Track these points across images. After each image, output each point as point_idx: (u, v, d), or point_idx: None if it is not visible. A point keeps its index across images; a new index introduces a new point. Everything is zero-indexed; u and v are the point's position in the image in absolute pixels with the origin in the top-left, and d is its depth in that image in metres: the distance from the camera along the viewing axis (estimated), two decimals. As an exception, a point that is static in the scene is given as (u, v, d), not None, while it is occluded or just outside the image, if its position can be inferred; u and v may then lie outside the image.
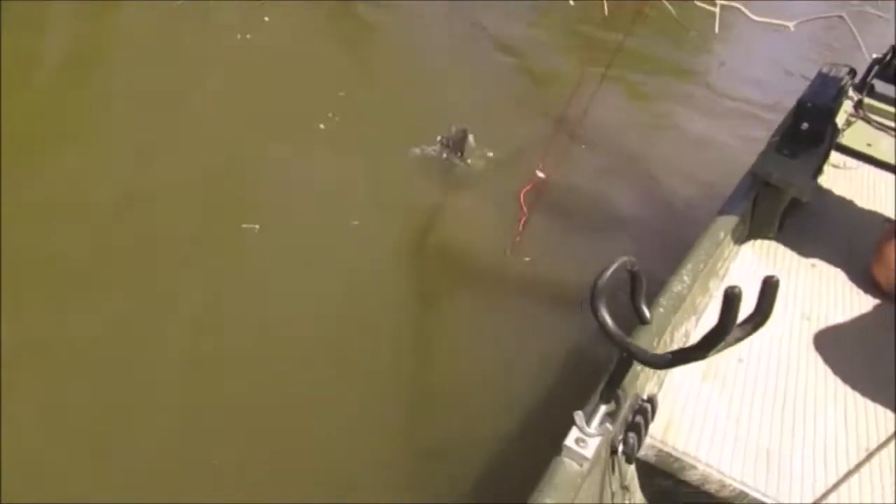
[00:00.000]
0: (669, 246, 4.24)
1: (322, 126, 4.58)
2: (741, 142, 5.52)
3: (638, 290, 1.59)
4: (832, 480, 1.92)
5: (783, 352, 2.44)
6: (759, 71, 7.28)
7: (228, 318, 3.17)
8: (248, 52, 5.21)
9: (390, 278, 3.61)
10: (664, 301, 2.17)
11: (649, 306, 1.77)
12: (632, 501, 1.82)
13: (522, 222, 4.09)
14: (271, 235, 3.64)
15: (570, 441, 1.59)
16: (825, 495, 1.89)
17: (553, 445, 1.68)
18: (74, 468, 2.48)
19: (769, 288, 1.36)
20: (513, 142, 4.91)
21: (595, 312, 1.50)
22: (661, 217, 4.56)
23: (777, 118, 6.22)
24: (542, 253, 3.96)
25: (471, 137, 4.60)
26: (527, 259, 3.88)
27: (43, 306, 3.03)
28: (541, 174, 4.35)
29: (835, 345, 2.51)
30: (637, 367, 1.71)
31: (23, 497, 2.33)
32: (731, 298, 1.28)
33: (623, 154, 5.14)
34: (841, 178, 3.57)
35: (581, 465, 1.58)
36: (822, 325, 2.60)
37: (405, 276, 3.68)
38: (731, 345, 1.39)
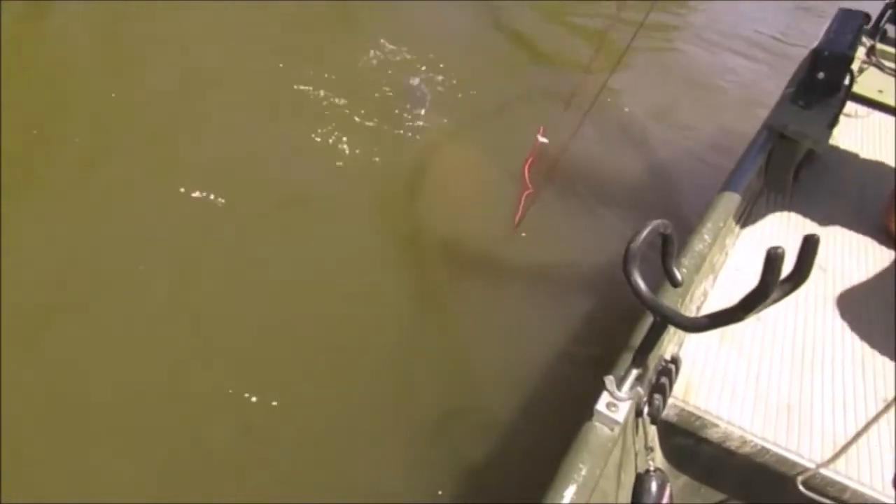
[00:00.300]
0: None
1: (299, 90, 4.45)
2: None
3: (670, 253, 1.56)
4: (852, 432, 1.94)
5: (800, 306, 2.43)
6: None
7: (223, 309, 3.11)
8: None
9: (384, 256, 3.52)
10: (686, 261, 2.15)
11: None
12: (654, 461, 1.84)
13: (525, 196, 3.88)
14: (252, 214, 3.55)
15: (601, 405, 1.58)
16: (845, 447, 1.91)
17: (569, 416, 1.68)
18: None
19: (810, 246, 1.33)
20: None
21: (628, 277, 1.47)
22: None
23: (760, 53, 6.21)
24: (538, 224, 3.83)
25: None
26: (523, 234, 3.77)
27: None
28: (542, 139, 4.16)
29: (851, 297, 2.50)
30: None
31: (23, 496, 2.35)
32: (774, 259, 1.25)
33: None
34: (853, 127, 3.51)
35: (612, 430, 1.58)
36: (839, 277, 2.59)
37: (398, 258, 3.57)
38: (769, 305, 1.37)
